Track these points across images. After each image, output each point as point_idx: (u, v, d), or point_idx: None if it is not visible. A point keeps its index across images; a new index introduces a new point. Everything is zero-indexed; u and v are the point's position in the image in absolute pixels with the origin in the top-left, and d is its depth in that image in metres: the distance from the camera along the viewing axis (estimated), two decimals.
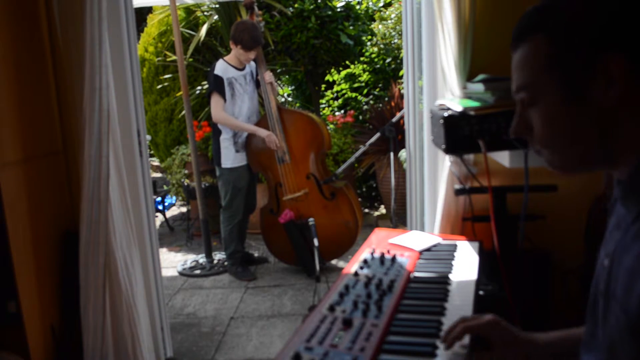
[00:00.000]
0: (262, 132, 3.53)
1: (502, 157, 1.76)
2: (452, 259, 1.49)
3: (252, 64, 3.73)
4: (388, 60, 5.61)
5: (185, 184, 4.62)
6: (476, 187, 1.93)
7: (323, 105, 5.99)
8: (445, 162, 2.09)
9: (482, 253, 1.55)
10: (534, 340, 0.97)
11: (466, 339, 1.02)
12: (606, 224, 0.82)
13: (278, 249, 3.78)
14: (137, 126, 2.24)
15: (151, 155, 5.86)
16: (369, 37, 5.79)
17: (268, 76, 3.60)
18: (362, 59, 5.76)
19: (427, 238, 1.67)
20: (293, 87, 6.57)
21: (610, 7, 0.69)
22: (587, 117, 0.71)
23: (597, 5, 0.70)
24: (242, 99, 3.60)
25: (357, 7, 5.83)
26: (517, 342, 0.96)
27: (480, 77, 1.88)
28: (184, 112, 3.97)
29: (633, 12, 0.68)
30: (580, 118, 0.72)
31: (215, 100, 3.52)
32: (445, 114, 1.69)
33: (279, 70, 5.54)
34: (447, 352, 0.99)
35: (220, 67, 3.54)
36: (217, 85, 3.50)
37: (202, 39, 4.79)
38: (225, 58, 3.62)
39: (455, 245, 1.61)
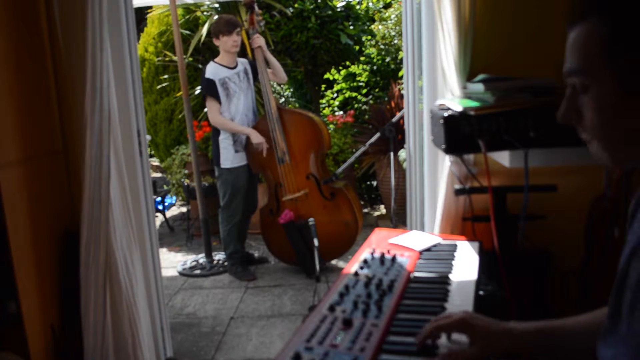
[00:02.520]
0: (254, 138, 3.53)
1: (502, 157, 1.76)
2: (452, 259, 1.49)
3: (245, 60, 3.74)
4: (387, 60, 5.61)
5: (185, 184, 4.62)
6: (476, 187, 1.93)
7: (323, 105, 5.99)
8: (445, 162, 2.09)
9: (482, 253, 1.55)
10: (510, 331, 0.94)
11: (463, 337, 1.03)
12: (634, 211, 0.78)
13: (278, 249, 3.78)
14: (137, 126, 2.24)
15: (151, 155, 5.86)
16: (369, 37, 5.80)
17: (256, 41, 3.55)
18: (362, 58, 5.76)
19: (427, 238, 1.67)
20: (293, 88, 6.57)
21: None
22: (639, 112, 0.66)
23: None
24: (237, 97, 3.60)
25: (357, 7, 5.83)
26: (489, 336, 0.94)
27: (480, 77, 1.88)
28: (184, 112, 3.97)
29: None
30: (632, 112, 0.67)
31: (210, 104, 3.54)
32: (445, 114, 1.69)
33: None
34: (448, 346, 0.99)
35: (211, 70, 3.55)
36: (210, 88, 3.51)
37: (202, 39, 4.79)
38: (215, 60, 3.63)
39: (455, 245, 1.61)
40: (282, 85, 6.52)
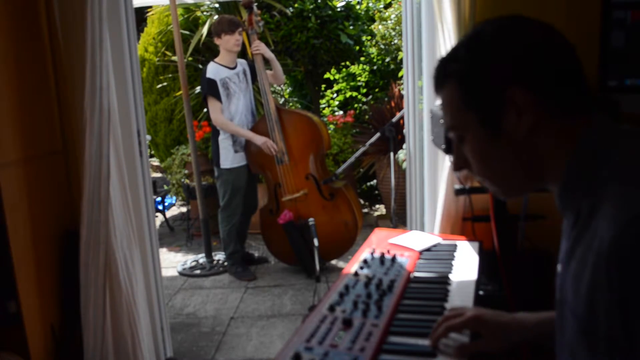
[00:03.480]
0: (257, 140, 3.53)
1: None
2: (452, 259, 1.49)
3: (244, 61, 3.74)
4: (387, 60, 5.61)
5: (185, 184, 4.62)
6: (476, 187, 1.93)
7: (323, 105, 6.00)
8: (445, 162, 2.09)
9: (482, 253, 1.55)
10: (522, 322, 0.97)
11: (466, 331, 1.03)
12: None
13: (278, 249, 3.78)
14: (137, 126, 2.25)
15: (151, 155, 5.86)
16: (369, 37, 5.80)
17: (255, 46, 3.56)
18: (362, 58, 5.76)
19: (427, 238, 1.67)
20: (293, 88, 6.57)
21: (506, 47, 0.77)
22: (508, 148, 0.78)
23: (493, 48, 0.78)
24: (237, 97, 3.60)
25: (357, 7, 5.83)
26: (503, 330, 0.97)
27: None
28: (184, 112, 3.97)
29: (527, 49, 0.76)
30: (502, 150, 0.79)
31: (212, 104, 3.53)
32: None
33: None
34: (449, 343, 0.99)
35: (212, 70, 3.54)
36: (211, 88, 3.51)
37: (202, 38, 4.79)
38: (216, 60, 3.63)
39: (455, 245, 1.61)
40: (281, 85, 6.52)
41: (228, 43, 3.54)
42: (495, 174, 0.82)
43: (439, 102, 0.85)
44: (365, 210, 5.27)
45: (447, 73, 0.83)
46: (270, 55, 3.63)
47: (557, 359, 0.83)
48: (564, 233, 0.81)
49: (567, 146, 0.75)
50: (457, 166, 0.87)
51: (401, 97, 4.47)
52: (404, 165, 3.45)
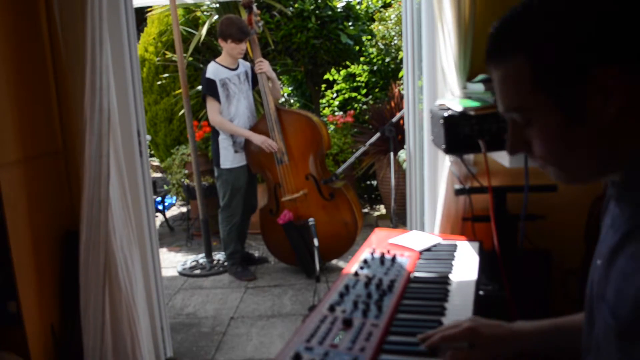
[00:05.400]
0: (256, 139, 3.53)
1: (502, 157, 1.76)
2: (452, 259, 1.49)
3: (247, 63, 3.73)
4: (387, 60, 5.61)
5: (185, 184, 4.62)
6: (476, 187, 1.93)
7: (323, 105, 5.99)
8: (445, 162, 2.09)
9: (482, 253, 1.55)
10: (519, 333, 0.94)
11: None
12: (600, 224, 0.82)
13: (278, 249, 3.78)
14: (137, 126, 2.25)
15: (151, 155, 5.86)
16: (369, 37, 5.80)
17: (259, 66, 3.56)
18: (362, 59, 5.76)
19: (427, 238, 1.67)
20: (293, 87, 6.57)
21: (594, 17, 0.63)
22: (588, 134, 0.67)
23: (578, 17, 0.64)
24: (238, 99, 3.59)
25: (357, 7, 5.83)
26: (497, 343, 0.94)
27: (480, 77, 1.88)
28: (183, 111, 3.97)
29: (621, 20, 0.63)
30: (582, 136, 0.68)
31: (210, 104, 3.53)
32: (445, 114, 1.69)
33: (279, 70, 5.55)
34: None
35: (212, 70, 3.54)
36: (210, 88, 3.51)
37: (202, 38, 4.79)
38: (217, 59, 3.63)
39: (455, 245, 1.61)
40: (281, 86, 6.52)
41: (232, 50, 3.52)
42: (565, 160, 0.71)
43: (493, 76, 0.72)
44: (365, 210, 5.26)
45: (514, 43, 0.69)
46: (272, 74, 3.62)
47: (583, 352, 0.80)
48: (610, 225, 0.74)
49: None
50: (514, 150, 0.76)
51: (401, 97, 4.47)
52: (404, 165, 3.45)
